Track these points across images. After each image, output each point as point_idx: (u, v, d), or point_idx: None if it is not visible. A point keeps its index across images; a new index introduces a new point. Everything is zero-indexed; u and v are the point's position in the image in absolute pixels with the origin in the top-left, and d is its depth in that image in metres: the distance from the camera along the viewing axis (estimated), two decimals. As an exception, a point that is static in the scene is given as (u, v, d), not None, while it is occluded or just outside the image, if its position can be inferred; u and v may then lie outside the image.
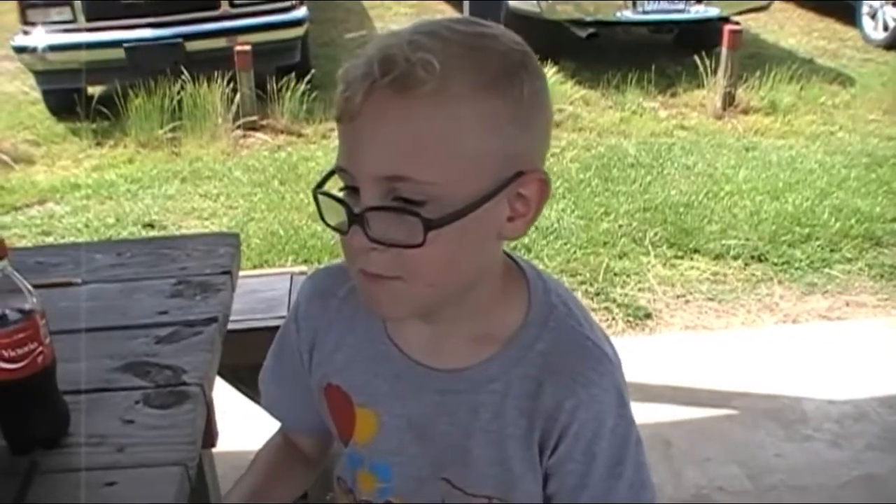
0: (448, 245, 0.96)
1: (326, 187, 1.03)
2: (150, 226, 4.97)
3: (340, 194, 1.00)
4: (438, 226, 0.94)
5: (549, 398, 1.06)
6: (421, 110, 0.93)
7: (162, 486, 1.27)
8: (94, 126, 6.50)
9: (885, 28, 8.78)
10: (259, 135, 6.38)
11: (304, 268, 3.15)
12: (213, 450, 2.33)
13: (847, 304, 4.18)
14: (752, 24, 9.13)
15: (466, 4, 2.74)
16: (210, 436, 1.87)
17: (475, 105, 0.95)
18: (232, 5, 6.75)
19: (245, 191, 5.39)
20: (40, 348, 1.31)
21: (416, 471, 1.14)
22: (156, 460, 1.32)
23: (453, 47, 0.96)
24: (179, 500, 1.23)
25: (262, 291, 2.87)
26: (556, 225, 4.77)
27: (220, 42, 6.64)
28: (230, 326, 2.61)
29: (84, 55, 6.34)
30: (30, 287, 1.30)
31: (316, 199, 1.02)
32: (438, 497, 1.13)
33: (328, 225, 1.02)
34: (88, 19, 6.48)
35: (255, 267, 4.15)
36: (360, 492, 1.21)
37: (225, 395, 2.81)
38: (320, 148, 6.18)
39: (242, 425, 3.01)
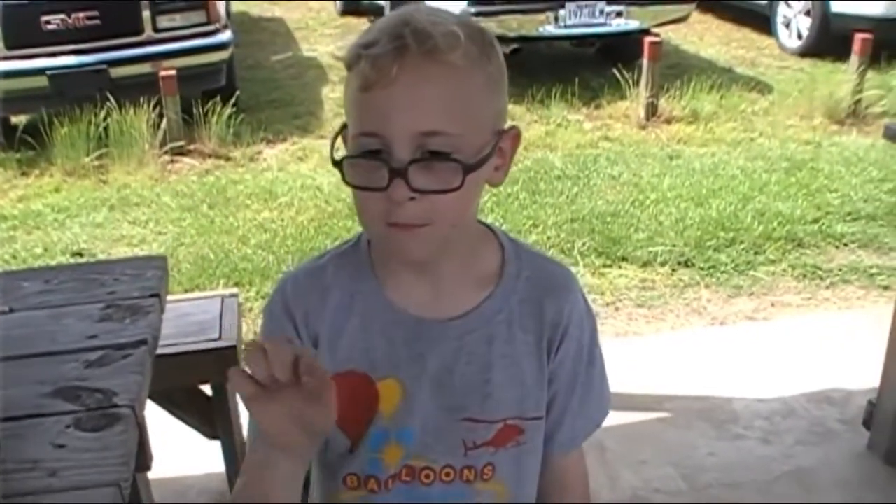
0: (470, 188, 1.12)
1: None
2: (79, 254, 4.91)
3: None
4: (473, 169, 1.11)
5: (551, 311, 1.27)
6: (451, 74, 1.09)
7: (96, 507, 1.27)
8: (18, 156, 6.40)
9: (800, 37, 9.01)
10: (187, 159, 6.34)
11: (234, 290, 3.15)
12: (149, 474, 2.33)
13: (772, 305, 4.28)
14: (673, 35, 9.31)
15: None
16: (144, 459, 1.86)
17: (482, 70, 1.13)
18: (156, 30, 6.68)
19: (174, 216, 5.35)
20: (-33, 376, 1.31)
21: (439, 421, 1.25)
22: (88, 482, 1.32)
23: (455, 23, 1.12)
24: (113, 520, 1.23)
25: (194, 315, 2.87)
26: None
27: (145, 67, 6.57)
28: (162, 351, 2.60)
29: (5, 84, 6.25)
30: (-45, 315, 1.30)
31: (340, 165, 1.13)
32: (459, 439, 1.26)
33: (355, 187, 1.13)
34: (9, 47, 6.37)
35: (185, 291, 4.13)
36: (386, 468, 1.27)
37: (159, 420, 2.81)
38: (248, 171, 6.17)
39: (176, 449, 3.02)
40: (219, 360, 2.67)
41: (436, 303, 1.25)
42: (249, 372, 1.02)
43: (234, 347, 2.68)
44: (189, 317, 2.86)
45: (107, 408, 1.48)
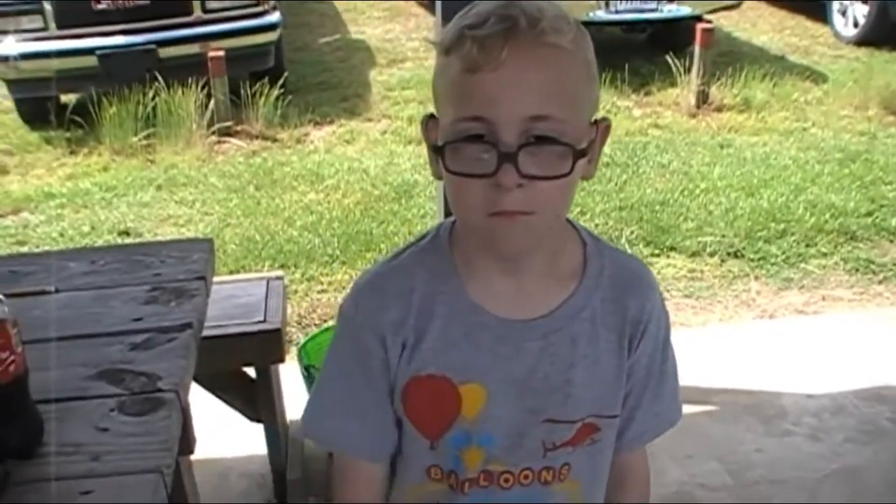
0: (574, 177, 1.11)
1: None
2: (126, 233, 4.94)
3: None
4: (582, 155, 1.10)
5: (633, 308, 1.25)
6: (560, 58, 1.07)
7: (138, 493, 1.26)
8: (67, 135, 6.44)
9: (856, 25, 8.83)
10: (234, 140, 6.35)
11: (279, 272, 3.13)
12: (192, 457, 2.32)
13: (823, 299, 4.21)
14: (725, 22, 9.17)
15: (439, 5, 2.74)
16: (187, 442, 1.85)
17: (583, 56, 1.12)
18: (205, 11, 6.71)
19: (221, 197, 5.37)
20: (12, 357, 1.30)
21: (520, 425, 1.24)
22: (131, 468, 1.31)
23: (557, 7, 1.11)
24: (155, 506, 1.22)
25: (239, 297, 2.86)
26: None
27: (194, 48, 6.59)
28: (206, 333, 2.62)
29: (56, 63, 6.30)
30: (1, 296, 1.29)
31: (441, 151, 1.10)
32: (539, 440, 1.24)
33: (456, 174, 1.09)
34: (60, 27, 6.44)
35: (231, 273, 4.13)
36: (466, 470, 1.26)
37: (201, 401, 2.82)
38: (295, 153, 6.17)
39: (219, 431, 3.02)
40: (263, 343, 2.67)
41: (520, 302, 1.21)
42: None
43: (279, 330, 2.66)
44: (234, 299, 2.85)
45: (151, 392, 1.47)
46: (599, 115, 1.18)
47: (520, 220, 1.08)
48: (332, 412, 1.30)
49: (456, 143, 1.08)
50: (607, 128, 1.18)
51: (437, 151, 1.11)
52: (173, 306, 1.74)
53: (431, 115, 1.18)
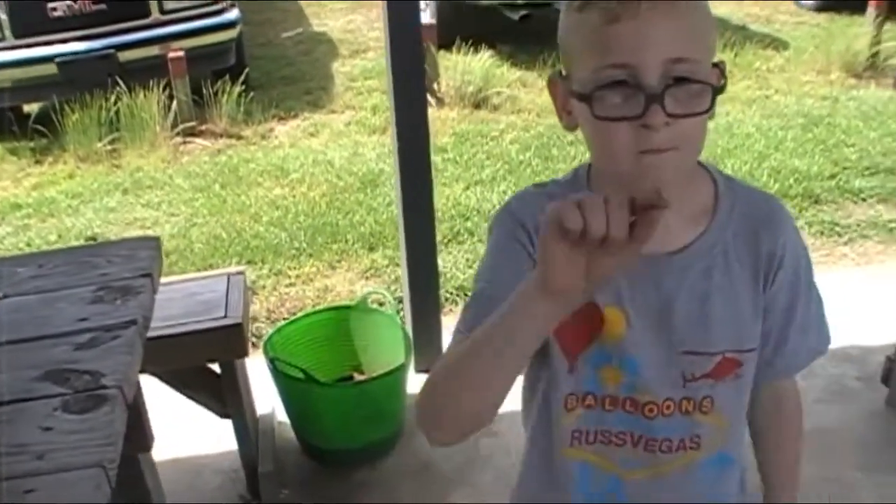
0: (710, 115, 1.18)
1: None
2: (93, 239, 4.91)
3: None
4: (720, 91, 1.17)
5: (767, 242, 1.29)
6: (692, 6, 1.16)
7: (80, 488, 1.26)
8: (31, 144, 6.40)
9: (816, -10, 8.88)
10: (199, 140, 6.33)
11: (241, 268, 3.14)
12: (164, 454, 2.33)
13: (789, 263, 4.23)
14: (686, -5, 9.18)
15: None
16: (144, 439, 1.85)
17: (706, 3, 1.20)
18: (162, 12, 6.66)
19: (187, 197, 5.35)
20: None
21: (660, 355, 1.28)
22: (74, 464, 1.32)
23: None
24: (98, 499, 1.22)
25: (201, 294, 2.87)
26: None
27: (153, 50, 6.54)
28: (170, 331, 2.64)
29: (15, 73, 6.26)
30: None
31: (589, 99, 1.16)
32: (679, 371, 1.29)
33: (604, 118, 1.15)
34: (17, 36, 6.38)
35: (198, 271, 4.12)
36: (603, 386, 1.30)
37: (173, 401, 2.82)
38: (260, 148, 6.15)
39: (190, 429, 3.04)
40: (226, 339, 2.68)
41: (657, 237, 1.20)
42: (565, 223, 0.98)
43: (240, 325, 2.67)
44: (196, 296, 2.86)
45: (94, 389, 1.47)
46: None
47: (667, 157, 1.15)
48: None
49: (602, 88, 1.15)
50: (723, 70, 1.25)
51: (582, 99, 1.17)
52: (119, 304, 1.74)
53: (559, 73, 1.26)
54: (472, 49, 6.83)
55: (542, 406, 1.35)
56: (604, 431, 1.33)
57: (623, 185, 1.19)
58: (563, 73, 1.25)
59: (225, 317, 2.70)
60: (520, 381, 1.24)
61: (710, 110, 1.16)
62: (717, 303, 1.28)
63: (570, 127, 1.26)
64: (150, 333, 2.49)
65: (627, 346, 1.28)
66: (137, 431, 1.69)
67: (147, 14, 6.62)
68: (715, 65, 1.22)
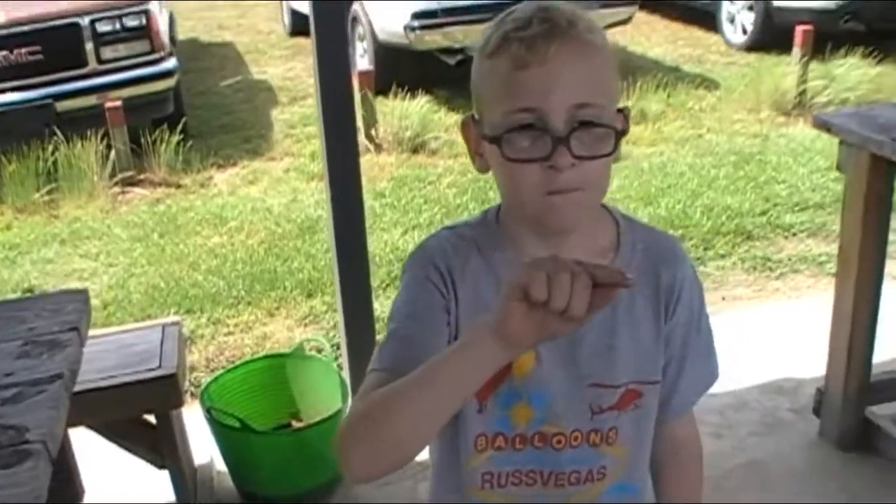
0: (613, 158, 1.24)
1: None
2: (30, 291, 4.87)
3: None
4: (623, 134, 1.25)
5: (665, 277, 1.36)
6: (596, 52, 1.23)
7: (3, 545, 1.25)
8: (-32, 196, 6.34)
9: (745, 32, 9.11)
10: (137, 189, 6.30)
11: (175, 318, 3.12)
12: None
13: (723, 299, 4.31)
14: (620, 37, 9.35)
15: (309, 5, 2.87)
16: (73, 492, 1.84)
17: (610, 51, 1.27)
18: (100, 62, 6.65)
19: (125, 247, 5.32)
20: None
21: (568, 389, 1.32)
22: (-3, 521, 1.31)
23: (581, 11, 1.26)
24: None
25: (135, 345, 2.86)
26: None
27: (91, 100, 6.53)
28: (104, 383, 2.62)
29: (-49, 124, 6.21)
30: None
31: (499, 142, 1.22)
32: (586, 404, 1.33)
33: (513, 160, 1.22)
34: (-48, 87, 6.34)
35: (136, 321, 4.09)
36: (514, 426, 1.34)
37: (110, 452, 2.80)
38: (199, 197, 6.14)
39: (127, 483, 3.01)
40: (160, 389, 2.67)
41: None
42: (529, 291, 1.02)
43: (174, 375, 2.66)
44: (131, 347, 2.85)
45: (18, 444, 1.47)
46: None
47: (572, 197, 1.22)
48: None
49: (511, 132, 1.21)
50: (627, 115, 1.32)
51: (492, 142, 1.24)
52: (45, 358, 1.73)
53: (471, 117, 1.32)
54: (409, 94, 6.90)
55: (450, 446, 1.37)
56: (514, 472, 1.36)
57: (530, 225, 1.27)
58: (476, 116, 1.30)
59: (159, 367, 2.70)
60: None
61: (613, 153, 1.23)
62: (622, 336, 1.34)
63: (483, 169, 1.31)
64: (85, 386, 2.51)
65: (536, 381, 1.32)
66: (67, 485, 1.68)
67: (84, 63, 6.61)
68: (619, 110, 1.27)
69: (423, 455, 1.38)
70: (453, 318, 1.30)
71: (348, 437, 1.16)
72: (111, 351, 2.82)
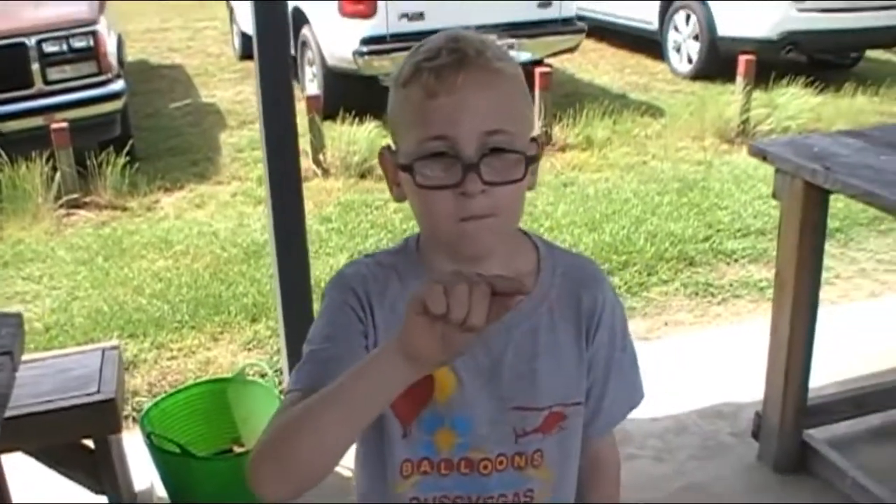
0: (526, 183, 1.27)
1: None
2: (-30, 315, 4.80)
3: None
4: (533, 160, 1.27)
5: (586, 301, 1.38)
6: (505, 81, 1.26)
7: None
8: None
9: (690, 60, 9.26)
10: (83, 212, 6.23)
11: (115, 342, 3.10)
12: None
13: (666, 324, 4.36)
14: (568, 65, 9.48)
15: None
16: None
17: (522, 80, 1.30)
18: (46, 83, 6.58)
19: (69, 270, 5.26)
20: None
21: (491, 412, 1.34)
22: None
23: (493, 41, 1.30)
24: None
25: (74, 369, 2.84)
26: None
27: (37, 121, 6.44)
28: (42, 408, 2.60)
29: None
30: None
31: (411, 170, 1.24)
32: (510, 427, 1.35)
33: (425, 187, 1.24)
34: None
35: (78, 345, 4.05)
36: (438, 451, 1.35)
37: (45, 480, 2.77)
38: (145, 220, 6.09)
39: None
40: (98, 414, 2.66)
41: None
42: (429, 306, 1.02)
43: (112, 400, 2.65)
44: (69, 372, 2.83)
45: (-54, 470, 1.45)
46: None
47: (485, 223, 1.24)
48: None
49: (423, 159, 1.23)
50: (543, 143, 1.37)
51: (404, 170, 1.26)
52: (-24, 383, 1.72)
53: (387, 147, 1.34)
54: (357, 119, 6.92)
55: (376, 472, 1.38)
56: (441, 498, 1.37)
57: (447, 252, 1.29)
58: (392, 147, 1.32)
59: (98, 392, 2.69)
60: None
61: (523, 178, 1.25)
62: (543, 360, 1.35)
63: (400, 198, 1.33)
64: (22, 411, 2.49)
65: (459, 406, 1.33)
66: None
67: (30, 84, 6.54)
68: (533, 139, 1.30)
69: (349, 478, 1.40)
70: (371, 343, 1.32)
71: (259, 458, 1.17)
72: (49, 375, 2.80)
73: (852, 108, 7.84)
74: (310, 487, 1.16)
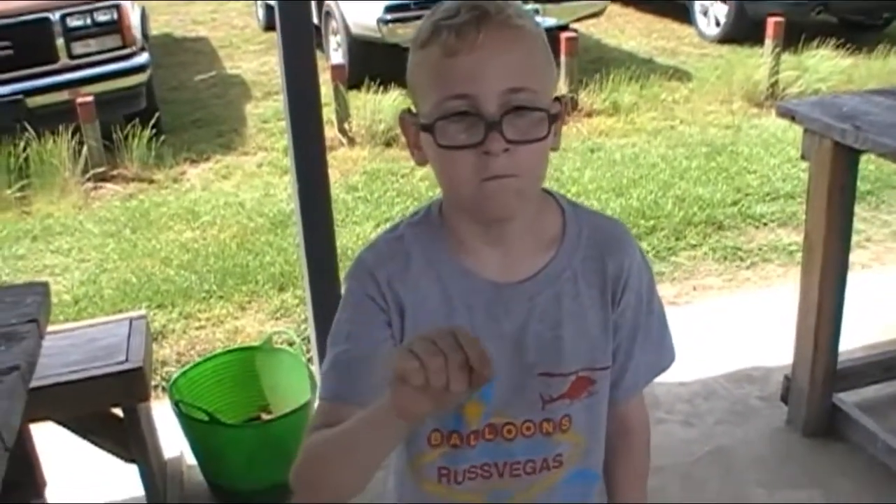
0: (549, 142, 1.24)
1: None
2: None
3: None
4: (557, 119, 1.24)
5: (612, 265, 1.35)
6: (526, 38, 1.23)
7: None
8: (-62, 192, 6.30)
9: (718, 24, 9.16)
10: (110, 185, 6.27)
11: (142, 312, 3.12)
12: (72, 500, 2.28)
13: (694, 289, 4.34)
14: (594, 30, 9.41)
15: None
16: (35, 486, 1.84)
17: (543, 38, 1.27)
18: (71, 57, 6.61)
19: (97, 242, 5.30)
20: None
21: (516, 379, 1.32)
22: (-50, 512, 1.31)
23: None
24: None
25: (102, 339, 2.85)
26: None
27: (63, 95, 6.47)
28: (71, 377, 2.62)
29: (-80, 120, 6.16)
30: None
31: (431, 129, 1.22)
32: (536, 393, 1.34)
33: (446, 147, 1.21)
34: (-79, 82, 6.29)
35: (107, 316, 4.08)
36: (468, 424, 1.34)
37: (80, 447, 2.80)
38: (171, 192, 6.12)
39: (97, 477, 3.00)
40: (127, 383, 2.66)
41: (507, 267, 1.32)
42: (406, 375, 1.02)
43: (140, 369, 2.66)
44: (97, 342, 2.84)
45: (-27, 436, 1.46)
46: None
47: (508, 183, 1.21)
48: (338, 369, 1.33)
49: (444, 118, 1.20)
50: (567, 102, 1.34)
51: (426, 130, 1.23)
52: (2, 350, 1.72)
53: (408, 111, 1.32)
54: (382, 88, 6.90)
55: (406, 447, 1.38)
56: (470, 469, 1.36)
57: (470, 215, 1.28)
58: (412, 109, 1.30)
59: (126, 361, 2.69)
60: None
61: (547, 137, 1.22)
62: (568, 326, 1.33)
63: (421, 162, 1.31)
64: (51, 380, 2.52)
65: None
66: (28, 478, 1.67)
67: (55, 59, 6.56)
68: (557, 99, 1.27)
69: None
70: (397, 330, 1.31)
71: (297, 478, 1.26)
72: (78, 345, 2.81)
73: (884, 69, 7.73)
74: (350, 499, 1.24)
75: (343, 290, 1.36)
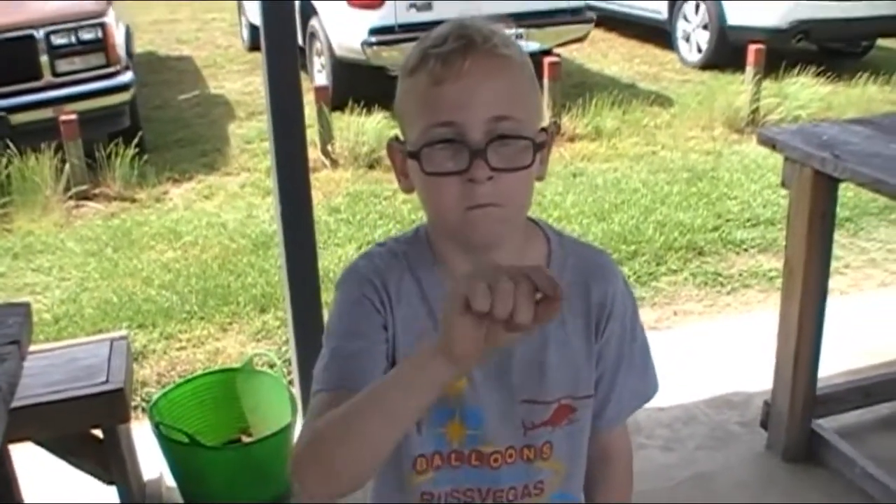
0: (534, 171, 1.26)
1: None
2: (-21, 306, 4.81)
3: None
4: (541, 147, 1.26)
5: (596, 294, 1.36)
6: (512, 67, 1.24)
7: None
8: (-82, 209, 6.26)
9: (699, 50, 9.24)
10: (92, 203, 6.25)
11: (123, 332, 3.11)
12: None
13: (675, 314, 4.36)
14: (577, 55, 9.46)
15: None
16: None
17: (530, 67, 1.29)
18: (55, 75, 6.58)
19: (78, 261, 5.27)
20: None
21: (501, 405, 1.33)
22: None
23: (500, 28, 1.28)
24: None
25: (83, 359, 2.84)
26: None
27: (46, 112, 6.44)
28: (51, 398, 2.61)
29: None
30: None
31: (418, 157, 1.23)
32: (519, 419, 1.35)
33: (432, 174, 1.22)
34: None
35: (87, 336, 4.06)
36: (448, 443, 1.34)
37: (58, 468, 2.78)
38: (154, 211, 6.10)
39: (70, 496, 2.98)
40: (107, 404, 2.66)
41: None
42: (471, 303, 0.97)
43: (121, 390, 2.65)
44: (78, 361, 2.83)
45: (-47, 458, 1.45)
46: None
47: (492, 213, 1.22)
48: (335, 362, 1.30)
49: (430, 146, 1.22)
50: (554, 132, 1.35)
51: (412, 157, 1.24)
52: (-17, 372, 1.72)
53: (395, 138, 1.33)
54: (366, 110, 6.92)
55: (386, 467, 1.33)
56: (453, 491, 1.36)
57: (455, 242, 1.28)
58: (400, 137, 1.31)
59: (107, 381, 2.69)
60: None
61: (531, 165, 1.24)
62: (552, 353, 1.34)
63: (408, 189, 1.31)
64: (31, 401, 2.50)
65: (468, 399, 1.32)
66: (6, 500, 1.66)
67: (39, 76, 6.53)
68: (543, 128, 1.29)
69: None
70: (391, 336, 1.30)
71: (304, 460, 1.17)
72: (58, 365, 2.81)
73: (863, 97, 7.83)
74: (358, 488, 1.18)
75: (335, 297, 1.35)
